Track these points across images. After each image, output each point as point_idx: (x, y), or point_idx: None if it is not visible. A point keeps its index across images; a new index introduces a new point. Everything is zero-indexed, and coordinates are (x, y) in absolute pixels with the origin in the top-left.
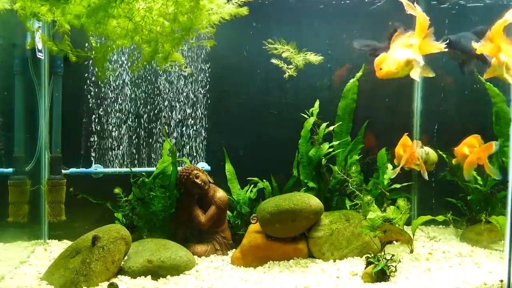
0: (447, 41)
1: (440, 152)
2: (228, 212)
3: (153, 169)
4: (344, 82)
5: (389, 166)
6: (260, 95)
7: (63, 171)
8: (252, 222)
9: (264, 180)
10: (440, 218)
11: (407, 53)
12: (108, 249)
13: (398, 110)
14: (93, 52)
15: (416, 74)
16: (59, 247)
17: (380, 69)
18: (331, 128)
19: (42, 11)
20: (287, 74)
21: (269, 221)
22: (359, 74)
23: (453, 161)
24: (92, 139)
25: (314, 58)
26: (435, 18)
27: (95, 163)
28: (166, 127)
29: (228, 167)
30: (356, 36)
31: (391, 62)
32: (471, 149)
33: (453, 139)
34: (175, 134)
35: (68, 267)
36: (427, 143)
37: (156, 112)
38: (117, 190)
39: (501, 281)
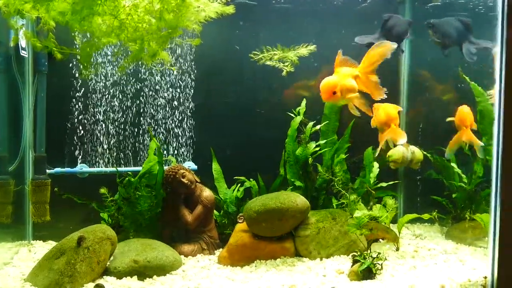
0: (430, 25)
1: (425, 152)
2: (215, 212)
3: (139, 168)
4: None
5: (375, 164)
6: (247, 94)
7: (47, 170)
8: (239, 221)
9: (251, 179)
10: (425, 216)
11: (354, 82)
12: (93, 250)
13: None
14: (78, 50)
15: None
16: (43, 248)
17: (334, 93)
18: (318, 127)
19: (26, 8)
20: (285, 71)
21: (256, 220)
22: None
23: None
24: (77, 138)
25: (305, 50)
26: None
27: (80, 163)
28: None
29: (215, 166)
30: (343, 35)
31: (348, 88)
32: (462, 125)
33: (438, 138)
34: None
35: (53, 268)
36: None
37: (141, 111)
38: (102, 190)
39: (485, 277)
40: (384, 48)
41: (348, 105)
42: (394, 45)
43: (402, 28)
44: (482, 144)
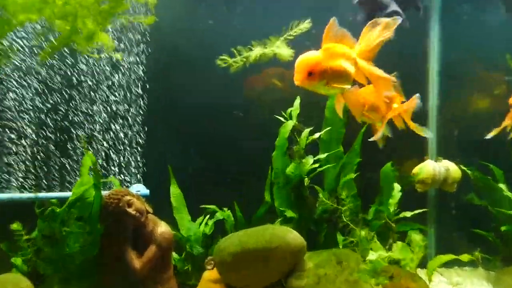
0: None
1: (464, 168)
2: (174, 254)
3: (69, 194)
4: None
5: (396, 186)
6: (219, 91)
7: None
8: (208, 267)
9: (224, 209)
10: (464, 257)
11: (350, 67)
12: None
13: None
14: None
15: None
16: None
17: (310, 73)
18: (317, 135)
19: None
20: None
21: (231, 265)
22: None
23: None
24: None
25: (298, 31)
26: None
27: None
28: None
29: (174, 191)
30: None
31: (340, 72)
32: None
33: (481, 149)
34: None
35: None
36: None
37: (71, 117)
38: (15, 226)
39: None
40: (385, 25)
41: (335, 105)
42: (397, 21)
43: None
44: None
